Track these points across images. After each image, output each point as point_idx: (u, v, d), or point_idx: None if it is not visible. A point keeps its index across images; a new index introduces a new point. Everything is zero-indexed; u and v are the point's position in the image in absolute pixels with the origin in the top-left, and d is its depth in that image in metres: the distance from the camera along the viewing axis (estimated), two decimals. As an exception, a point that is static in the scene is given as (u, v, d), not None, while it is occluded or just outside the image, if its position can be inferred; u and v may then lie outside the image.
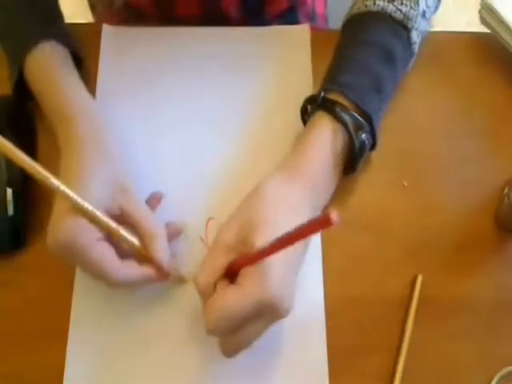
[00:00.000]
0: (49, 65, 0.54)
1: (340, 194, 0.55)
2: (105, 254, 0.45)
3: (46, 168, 0.44)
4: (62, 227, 0.44)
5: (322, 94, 0.52)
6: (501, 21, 0.61)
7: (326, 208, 0.53)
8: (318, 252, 0.53)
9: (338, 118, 0.50)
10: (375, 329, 0.51)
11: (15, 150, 0.42)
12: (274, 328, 0.45)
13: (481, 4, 0.63)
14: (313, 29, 0.64)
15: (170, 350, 0.50)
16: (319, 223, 0.34)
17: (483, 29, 0.64)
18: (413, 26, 0.55)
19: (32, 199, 0.54)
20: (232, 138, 0.58)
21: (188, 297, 0.51)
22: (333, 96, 0.52)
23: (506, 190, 0.55)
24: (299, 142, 0.52)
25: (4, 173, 0.52)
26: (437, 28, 0.63)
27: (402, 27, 0.55)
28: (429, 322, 0.51)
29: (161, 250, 0.47)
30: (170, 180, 0.56)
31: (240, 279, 0.43)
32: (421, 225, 0.55)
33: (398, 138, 0.58)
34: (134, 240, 0.47)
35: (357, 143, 0.51)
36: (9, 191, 0.52)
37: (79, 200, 0.44)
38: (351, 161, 0.52)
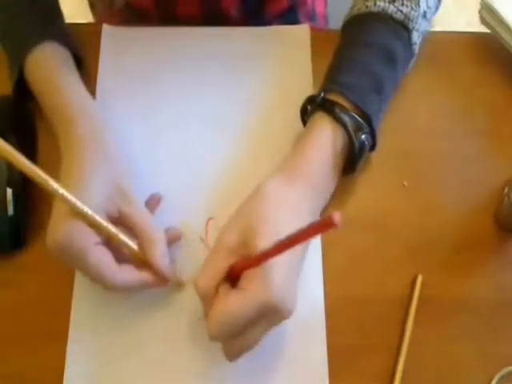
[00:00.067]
0: (49, 65, 0.54)
1: (340, 194, 0.55)
2: (102, 258, 0.45)
3: (46, 167, 0.44)
4: (60, 230, 0.44)
5: (322, 95, 0.52)
6: (501, 21, 0.61)
7: (325, 208, 0.53)
8: (318, 252, 0.53)
9: (337, 119, 0.50)
10: (375, 329, 0.51)
11: (14, 153, 0.42)
12: (274, 329, 0.45)
13: (481, 4, 0.63)
14: (313, 29, 0.64)
15: (169, 352, 0.49)
16: (322, 225, 0.34)
17: (483, 29, 0.64)
18: (413, 27, 0.55)
19: (32, 199, 0.54)
20: (232, 137, 0.58)
21: (186, 299, 0.51)
22: (333, 96, 0.52)
23: (506, 190, 0.55)
24: (299, 142, 0.52)
25: (4, 173, 0.52)
26: (437, 28, 0.63)
27: (402, 28, 0.55)
28: (429, 321, 0.51)
29: (160, 256, 0.47)
30: (169, 180, 0.56)
31: (242, 283, 0.43)
32: (421, 225, 0.55)
33: (398, 138, 0.58)
34: (133, 245, 0.47)
35: (356, 144, 0.51)
36: (9, 191, 0.52)
37: (78, 203, 0.44)
38: (351, 161, 0.52)
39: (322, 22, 0.80)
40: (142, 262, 0.47)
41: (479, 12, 0.64)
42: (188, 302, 0.50)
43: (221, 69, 0.61)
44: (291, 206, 0.47)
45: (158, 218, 0.52)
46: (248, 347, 0.44)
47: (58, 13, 0.60)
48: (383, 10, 0.55)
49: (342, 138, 0.51)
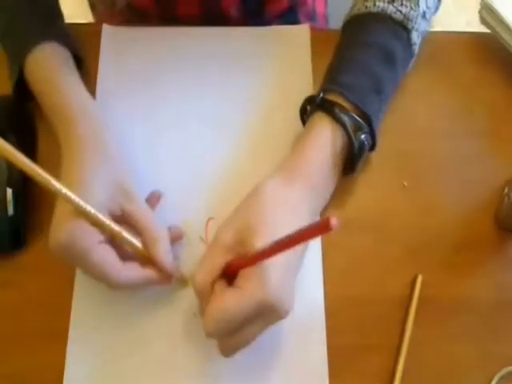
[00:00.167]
0: (49, 65, 0.54)
1: (340, 194, 0.55)
2: (106, 256, 0.45)
3: (46, 167, 0.44)
4: (63, 230, 0.44)
5: (322, 95, 0.52)
6: (501, 21, 0.61)
7: (325, 208, 0.53)
8: (318, 252, 0.53)
9: (337, 119, 0.50)
10: (375, 329, 0.51)
11: (16, 153, 0.42)
12: (274, 328, 0.45)
13: (481, 4, 0.63)
14: (313, 29, 0.64)
15: (170, 351, 0.50)
16: (318, 228, 0.34)
17: (483, 29, 0.64)
18: (413, 27, 0.55)
19: (32, 199, 0.54)
20: (232, 137, 0.58)
21: (188, 297, 0.51)
22: (332, 97, 0.52)
23: (506, 190, 0.55)
24: (298, 142, 0.52)
25: (4, 173, 0.52)
26: (437, 28, 0.63)
27: (402, 28, 0.55)
28: (429, 322, 0.51)
29: (164, 253, 0.47)
30: (169, 180, 0.56)
31: (239, 281, 0.43)
32: (421, 225, 0.55)
33: (397, 139, 0.58)
34: (137, 242, 0.47)
35: (356, 144, 0.51)
36: (9, 191, 0.52)
37: (81, 203, 0.44)
38: (350, 161, 0.52)
39: (322, 21, 0.80)
40: (145, 259, 0.47)
41: (479, 12, 0.64)
42: (189, 299, 0.50)
43: (221, 69, 0.61)
44: (290, 206, 0.47)
45: (158, 217, 0.52)
46: (244, 344, 0.44)
47: (58, 13, 0.60)
48: (382, 10, 0.55)
49: (342, 138, 0.51)
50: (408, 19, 0.55)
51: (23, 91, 0.55)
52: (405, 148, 0.58)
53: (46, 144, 0.57)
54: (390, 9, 0.55)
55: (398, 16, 0.55)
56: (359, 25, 0.57)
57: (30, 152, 0.57)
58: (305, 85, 0.60)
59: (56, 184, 0.43)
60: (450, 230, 0.55)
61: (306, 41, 0.63)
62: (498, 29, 0.62)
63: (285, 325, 0.46)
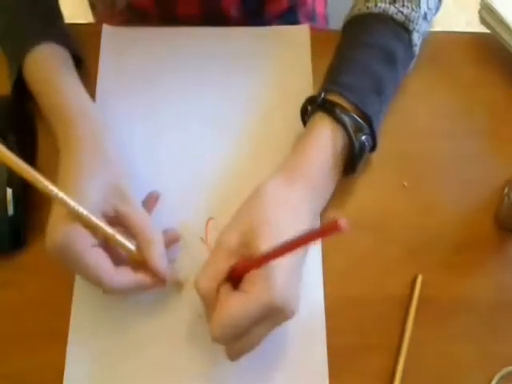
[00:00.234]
0: (48, 65, 0.54)
1: (341, 194, 0.55)
2: (99, 260, 0.45)
3: (46, 167, 0.44)
4: (58, 232, 0.44)
5: (322, 95, 0.52)
6: (501, 21, 0.61)
7: (325, 209, 0.53)
8: (318, 252, 0.53)
9: (337, 120, 0.50)
10: (375, 329, 0.51)
11: (11, 156, 0.42)
12: (277, 329, 0.45)
13: (481, 4, 0.63)
14: (313, 29, 0.64)
15: (169, 352, 0.49)
16: (328, 229, 0.34)
17: (483, 29, 0.64)
18: (414, 28, 0.55)
19: (32, 199, 0.54)
20: (232, 137, 0.58)
21: (186, 299, 0.51)
22: (333, 97, 0.52)
23: (506, 190, 0.55)
24: (299, 142, 0.52)
25: (4, 173, 0.52)
26: (437, 28, 0.63)
27: (403, 29, 0.55)
28: (429, 321, 0.51)
29: (158, 257, 0.47)
30: (169, 180, 0.56)
31: (245, 285, 0.43)
32: (421, 225, 0.55)
33: (398, 139, 0.58)
34: (130, 245, 0.47)
35: (356, 145, 0.51)
36: (9, 191, 0.52)
37: (76, 206, 0.44)
38: (351, 162, 0.52)
39: (322, 22, 0.80)
40: (139, 262, 0.47)
41: (479, 12, 0.64)
42: (188, 301, 0.50)
43: (221, 69, 0.61)
44: (291, 206, 0.47)
45: (158, 217, 0.52)
46: (250, 347, 0.44)
47: (57, 13, 0.60)
48: (384, 10, 0.55)
49: (342, 138, 0.51)
50: (409, 20, 0.55)
51: (23, 91, 0.55)
52: (405, 148, 0.58)
53: (45, 144, 0.57)
54: (392, 10, 0.55)
55: (399, 17, 0.55)
56: (360, 25, 0.57)
57: (30, 152, 0.57)
58: (305, 85, 0.60)
59: (50, 186, 0.43)
60: (449, 230, 0.55)
61: (306, 41, 0.63)
62: (498, 29, 0.62)
63: (285, 325, 0.46)
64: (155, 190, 0.55)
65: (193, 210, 0.54)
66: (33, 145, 0.57)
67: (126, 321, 0.50)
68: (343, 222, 0.32)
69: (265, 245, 0.42)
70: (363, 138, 0.51)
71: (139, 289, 0.48)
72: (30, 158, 0.43)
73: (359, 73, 0.53)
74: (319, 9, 0.80)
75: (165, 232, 0.50)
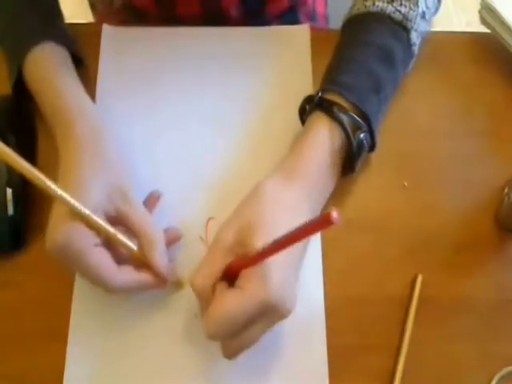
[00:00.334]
0: (47, 65, 0.54)
1: (340, 194, 0.55)
2: (102, 259, 0.45)
3: (46, 167, 0.44)
4: (59, 232, 0.44)
5: (320, 94, 0.52)
6: (501, 21, 0.61)
7: (325, 209, 0.53)
8: (317, 252, 0.53)
9: (335, 118, 0.50)
10: (375, 329, 0.51)
11: (12, 155, 0.42)
12: (274, 328, 0.45)
13: (481, 4, 0.63)
14: (313, 29, 0.64)
15: (170, 352, 0.49)
16: (320, 223, 0.34)
17: (483, 29, 0.64)
18: (412, 27, 0.55)
19: (32, 199, 0.54)
20: (232, 137, 0.58)
21: (187, 299, 0.50)
22: (331, 96, 0.52)
23: (506, 190, 0.55)
24: (297, 142, 0.52)
25: (4, 173, 0.52)
26: (437, 28, 0.63)
27: (401, 28, 0.55)
28: (429, 322, 0.51)
29: (159, 256, 0.47)
30: (169, 180, 0.56)
31: (240, 282, 0.43)
32: (421, 225, 0.55)
33: (398, 139, 0.58)
34: (132, 245, 0.47)
35: (354, 143, 0.51)
36: (9, 191, 0.52)
37: (76, 204, 0.44)
38: (350, 160, 0.52)
39: (323, 21, 0.80)
40: (140, 262, 0.47)
41: (479, 12, 0.64)
42: (186, 300, 0.50)
43: (221, 69, 0.61)
44: (289, 205, 0.47)
45: (158, 217, 0.52)
46: (247, 346, 0.44)
47: (57, 13, 0.60)
48: (382, 10, 0.55)
49: (340, 137, 0.51)
50: (407, 19, 0.55)
51: (23, 91, 0.55)
52: (405, 148, 0.58)
53: (45, 144, 0.57)
54: (390, 8, 0.55)
55: (397, 16, 0.55)
56: (358, 24, 0.57)
57: (30, 152, 0.57)
58: (305, 85, 0.60)
59: (52, 186, 0.43)
60: (450, 230, 0.55)
61: (305, 41, 0.63)
62: (498, 29, 0.62)
63: (285, 325, 0.46)
64: (156, 189, 0.55)
65: (193, 209, 0.54)
66: (33, 145, 0.57)
67: (126, 321, 0.50)
68: (335, 214, 0.31)
69: (260, 244, 0.42)
70: (361, 135, 0.51)
71: (141, 288, 0.48)
72: (29, 158, 0.43)
73: (357, 72, 0.53)
74: (319, 9, 0.80)
75: (166, 231, 0.50)
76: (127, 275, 0.46)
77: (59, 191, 0.44)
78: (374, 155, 0.56)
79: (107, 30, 0.63)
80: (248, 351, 0.45)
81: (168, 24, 0.64)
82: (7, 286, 0.52)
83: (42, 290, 0.52)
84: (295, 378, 0.49)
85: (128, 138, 0.57)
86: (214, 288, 0.44)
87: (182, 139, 0.58)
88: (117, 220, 0.47)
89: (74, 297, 0.51)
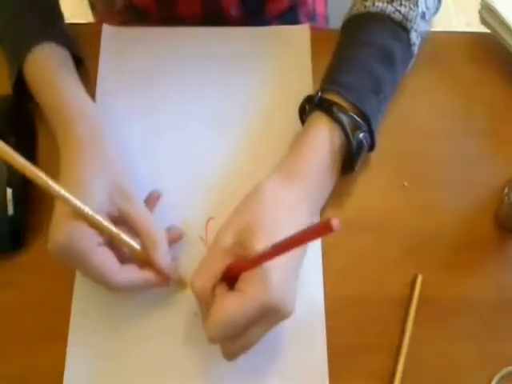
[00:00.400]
0: (47, 65, 0.54)
1: (340, 194, 0.55)
2: (105, 259, 0.45)
3: (46, 167, 0.44)
4: (62, 232, 0.44)
5: (320, 94, 0.52)
6: (501, 21, 0.61)
7: (325, 209, 0.53)
8: (317, 252, 0.53)
9: (334, 118, 0.50)
10: (375, 329, 0.51)
11: (14, 155, 0.42)
12: (274, 329, 0.45)
13: (481, 4, 0.63)
14: (313, 29, 0.64)
15: (170, 353, 0.49)
16: (320, 229, 0.34)
17: (483, 29, 0.64)
18: (412, 27, 0.55)
19: (32, 199, 0.54)
20: (232, 137, 0.58)
21: (187, 299, 0.50)
22: (331, 96, 0.52)
23: (506, 190, 0.55)
24: (296, 142, 0.52)
25: (4, 173, 0.52)
26: (437, 28, 0.63)
27: (401, 28, 0.55)
28: (429, 322, 0.51)
29: (162, 255, 0.47)
30: (169, 180, 0.56)
31: (240, 284, 0.43)
32: (421, 225, 0.55)
33: (397, 139, 0.58)
34: (135, 244, 0.47)
35: (354, 143, 0.51)
36: (9, 191, 0.52)
37: (79, 204, 0.44)
38: (349, 160, 0.52)
39: (323, 21, 0.80)
40: (143, 261, 0.47)
41: (479, 12, 0.64)
42: (185, 301, 0.50)
43: (221, 69, 0.61)
44: (289, 206, 0.47)
45: (159, 217, 0.52)
46: (247, 347, 0.44)
47: (58, 13, 0.60)
48: (381, 10, 0.55)
49: (339, 137, 0.51)
50: (407, 19, 0.55)
51: (23, 91, 0.55)
52: (405, 148, 0.58)
53: (46, 144, 0.57)
54: (389, 9, 0.55)
55: (396, 16, 0.55)
56: (358, 24, 0.57)
57: (30, 152, 0.57)
58: (305, 85, 0.60)
59: (54, 186, 0.43)
60: (450, 230, 0.55)
61: (305, 41, 0.63)
62: (498, 29, 0.62)
63: (285, 325, 0.46)
64: (156, 189, 0.55)
65: (193, 209, 0.54)
66: (33, 145, 0.57)
67: (127, 321, 0.50)
68: (335, 222, 0.32)
69: (260, 245, 0.42)
70: (361, 135, 0.51)
71: (145, 287, 0.48)
72: (29, 158, 0.43)
73: (357, 72, 0.53)
74: (319, 9, 0.80)
75: (168, 230, 0.50)
76: (130, 274, 0.46)
77: (62, 191, 0.44)
78: (373, 155, 0.56)
79: (107, 30, 0.63)
80: (248, 351, 0.45)
81: (168, 24, 0.64)
82: (7, 286, 0.52)
83: (42, 290, 0.52)
84: (295, 378, 0.49)
85: (128, 137, 0.57)
86: (213, 289, 0.44)
87: (182, 139, 0.58)
88: (119, 219, 0.47)
89: (73, 297, 0.51)
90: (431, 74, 0.62)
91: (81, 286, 0.51)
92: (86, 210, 0.44)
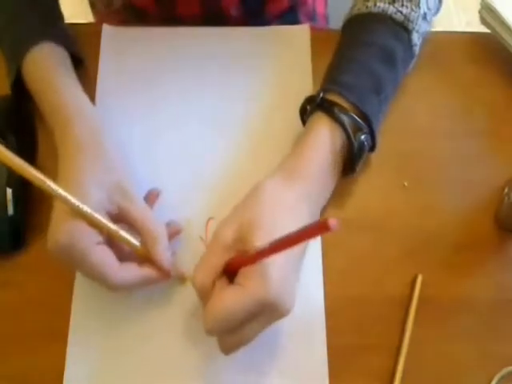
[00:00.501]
0: (46, 65, 0.54)
1: (340, 194, 0.55)
2: (104, 257, 0.45)
3: (46, 167, 0.44)
4: (61, 231, 0.44)
5: (321, 95, 0.52)
6: (501, 21, 0.61)
7: (326, 209, 0.53)
8: (318, 252, 0.53)
9: (335, 119, 0.50)
10: (375, 329, 0.51)
11: (10, 155, 0.42)
12: (274, 328, 0.45)
13: (481, 4, 0.63)
14: (313, 29, 0.64)
15: (170, 352, 0.49)
16: (317, 229, 0.34)
17: (483, 29, 0.64)
18: (413, 28, 0.55)
19: (32, 199, 0.54)
20: (232, 137, 0.58)
21: (187, 298, 0.51)
22: (332, 97, 0.52)
23: (506, 190, 0.55)
24: (298, 142, 0.52)
25: (4, 173, 0.52)
26: (437, 28, 0.63)
27: (402, 29, 0.55)
28: (429, 322, 0.51)
29: (162, 251, 0.47)
30: (169, 180, 0.56)
31: (240, 279, 0.43)
32: (421, 225, 0.55)
33: (398, 139, 0.58)
34: (134, 241, 0.47)
35: (355, 144, 0.51)
36: (9, 191, 0.52)
37: (78, 203, 0.44)
38: (350, 162, 0.52)
39: (323, 21, 0.80)
40: (143, 257, 0.47)
41: (479, 12, 0.64)
42: (185, 300, 0.51)
43: (221, 69, 0.61)
44: (289, 206, 0.47)
45: (158, 216, 0.52)
46: (244, 342, 0.44)
47: (57, 14, 0.60)
48: (383, 10, 0.55)
49: (341, 138, 0.51)
50: (409, 20, 0.55)
51: (22, 91, 0.55)
52: (405, 148, 0.58)
53: (45, 144, 0.57)
54: (391, 9, 0.55)
55: (398, 17, 0.55)
56: (359, 25, 0.57)
57: (30, 152, 0.57)
58: (305, 85, 0.60)
59: (52, 185, 0.43)
60: (449, 230, 0.55)
61: (305, 41, 0.63)
62: (498, 29, 0.62)
63: (285, 325, 0.46)
64: (155, 187, 0.55)
65: (193, 209, 0.54)
66: (33, 145, 0.57)
67: (126, 320, 0.50)
68: (333, 221, 0.32)
69: (260, 243, 0.42)
70: (362, 137, 0.51)
71: (144, 283, 0.48)
72: (29, 158, 0.43)
73: (358, 72, 0.53)
74: (319, 9, 0.80)
75: (167, 225, 0.50)
76: (130, 272, 0.46)
77: (59, 190, 0.44)
78: (374, 155, 0.56)
79: (107, 29, 0.63)
80: (248, 351, 0.45)
81: (168, 24, 0.64)
82: (7, 286, 0.52)
83: (42, 290, 0.52)
84: (295, 378, 0.49)
85: (128, 137, 0.57)
86: (213, 284, 0.44)
87: (182, 139, 0.58)
88: (118, 217, 0.47)
89: (74, 297, 0.51)
90: (431, 74, 0.62)
91: (81, 286, 0.51)
92: (85, 208, 0.44)
